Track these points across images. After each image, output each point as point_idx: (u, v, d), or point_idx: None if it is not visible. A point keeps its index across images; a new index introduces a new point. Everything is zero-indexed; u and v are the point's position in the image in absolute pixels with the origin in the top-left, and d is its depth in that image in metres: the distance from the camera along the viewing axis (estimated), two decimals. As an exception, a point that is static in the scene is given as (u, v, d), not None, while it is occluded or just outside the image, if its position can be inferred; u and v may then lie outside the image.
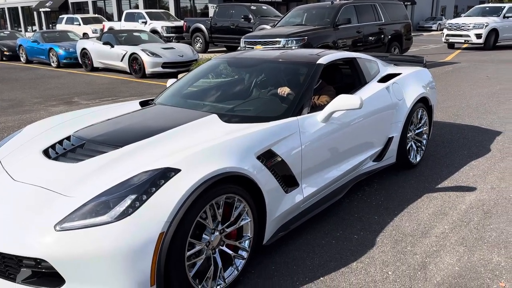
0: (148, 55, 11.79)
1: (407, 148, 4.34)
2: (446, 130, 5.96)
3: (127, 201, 2.15)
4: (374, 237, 3.17)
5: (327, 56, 3.79)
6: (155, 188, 2.21)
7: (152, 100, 3.93)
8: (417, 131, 4.52)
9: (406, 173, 4.40)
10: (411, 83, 4.41)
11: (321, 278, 2.70)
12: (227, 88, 3.97)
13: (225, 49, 18.42)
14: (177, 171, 2.30)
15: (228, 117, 3.14)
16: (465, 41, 17.53)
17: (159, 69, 11.85)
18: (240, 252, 2.64)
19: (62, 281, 2.10)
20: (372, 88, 3.99)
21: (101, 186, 2.30)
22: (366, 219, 3.45)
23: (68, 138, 2.99)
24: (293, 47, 8.91)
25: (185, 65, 12.20)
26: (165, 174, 2.28)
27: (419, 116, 4.48)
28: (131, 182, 2.27)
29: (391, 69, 4.66)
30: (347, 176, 3.60)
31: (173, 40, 17.60)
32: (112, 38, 13.00)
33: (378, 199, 3.82)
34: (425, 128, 4.64)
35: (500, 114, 6.82)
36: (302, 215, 3.10)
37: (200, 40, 17.50)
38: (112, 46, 12.69)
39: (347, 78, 4.28)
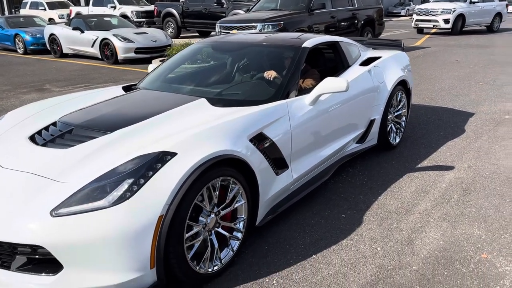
0: (120, 40, 11.54)
1: (388, 130, 4.45)
2: (422, 112, 6.13)
3: (124, 186, 2.15)
4: (361, 216, 3.27)
5: (312, 40, 3.83)
6: (152, 172, 2.22)
7: (135, 85, 3.88)
8: (396, 113, 4.64)
9: (386, 154, 4.53)
10: (391, 66, 4.51)
11: (314, 256, 2.78)
12: (213, 72, 3.96)
13: (197, 34, 18.19)
14: (173, 154, 2.31)
15: (217, 101, 3.14)
16: (433, 26, 17.91)
17: (132, 54, 11.62)
18: (234, 233, 2.68)
19: (59, 267, 2.09)
20: (354, 71, 4.06)
21: (95, 171, 2.28)
22: (352, 199, 3.55)
23: (54, 124, 2.93)
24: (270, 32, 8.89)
25: (159, 51, 12.00)
26: (162, 158, 2.29)
27: (398, 98, 4.60)
28: (127, 167, 2.26)
29: (371, 52, 4.75)
30: (333, 157, 3.69)
31: (144, 25, 17.24)
32: (82, 23, 12.63)
33: (362, 180, 3.92)
34: (403, 110, 4.77)
35: (472, 96, 7.06)
36: (291, 197, 3.17)
37: (172, 25, 17.21)
38: (82, 32, 12.35)
39: (329, 62, 4.34)
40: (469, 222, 3.16)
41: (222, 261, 2.58)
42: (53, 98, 3.58)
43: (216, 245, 2.55)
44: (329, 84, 3.25)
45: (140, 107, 3.17)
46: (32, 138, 2.77)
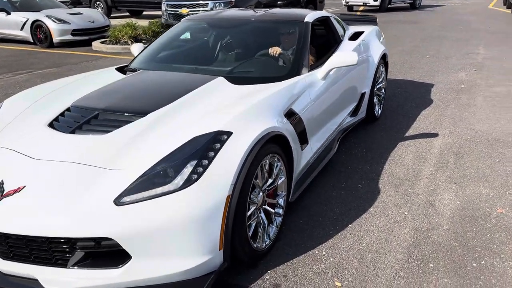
0: (55, 22, 10.71)
1: (373, 102, 4.64)
2: (387, 86, 6.42)
3: (189, 168, 2.07)
4: (376, 184, 3.41)
5: (311, 15, 3.87)
6: (213, 153, 2.15)
7: (126, 66, 3.65)
8: (377, 86, 4.84)
9: (372, 126, 4.73)
10: (374, 40, 4.69)
11: (349, 225, 2.87)
12: (214, 50, 3.83)
13: (128, 14, 17.38)
14: (229, 134, 2.26)
15: (235, 79, 3.07)
16: (363, 3, 18.64)
17: (69, 37, 10.85)
18: (276, 209, 2.69)
19: (126, 257, 1.98)
20: (348, 46, 4.16)
21: (146, 156, 2.17)
22: (360, 169, 3.68)
23: (68, 109, 2.71)
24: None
25: (98, 32, 11.33)
26: (218, 138, 2.23)
27: (380, 71, 4.79)
28: (185, 149, 2.17)
29: (352, 27, 4.87)
30: (336, 130, 3.78)
31: (69, 6, 16.09)
32: (6, 4, 11.49)
33: (361, 151, 4.08)
34: (383, 83, 4.99)
35: (425, 68, 7.53)
36: (310, 172, 3.22)
37: (101, 5, 16.27)
38: (8, 13, 11.27)
39: (320, 38, 4.39)
40: (474, 182, 3.42)
41: (271, 237, 2.59)
42: (48, 83, 3.30)
43: (266, 222, 2.55)
44: (341, 58, 3.30)
45: (161, 88, 3.02)
46: (51, 126, 2.55)
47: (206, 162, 2.11)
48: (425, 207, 3.07)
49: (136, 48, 4.06)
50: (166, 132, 2.36)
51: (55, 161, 2.22)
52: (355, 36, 4.51)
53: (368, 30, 4.81)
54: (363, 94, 4.34)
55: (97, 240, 1.96)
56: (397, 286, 2.32)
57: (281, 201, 2.71)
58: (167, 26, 8.13)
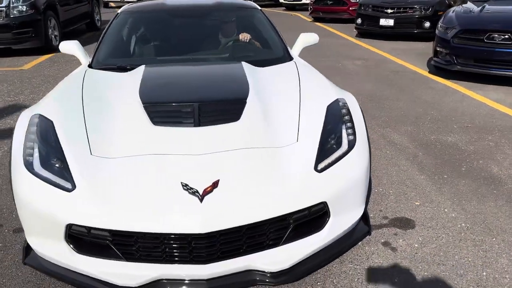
0: None
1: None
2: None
3: (344, 133, 2.34)
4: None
5: (250, 2, 4.02)
6: (348, 116, 2.46)
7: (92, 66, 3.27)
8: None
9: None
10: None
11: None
12: (188, 39, 3.71)
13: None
14: (342, 99, 2.59)
15: (254, 63, 3.09)
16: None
17: None
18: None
19: (323, 220, 2.14)
20: None
21: (301, 129, 2.33)
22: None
23: (146, 107, 2.44)
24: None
25: None
26: (342, 103, 2.54)
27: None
28: (329, 118, 2.40)
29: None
30: None
31: None
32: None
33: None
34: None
35: (332, 57, 7.63)
36: None
37: None
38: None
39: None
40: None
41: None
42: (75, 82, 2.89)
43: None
44: (308, 38, 3.68)
45: (211, 78, 2.93)
46: (158, 122, 2.33)
47: (349, 124, 2.41)
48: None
49: (74, 46, 3.57)
50: (285, 109, 2.49)
51: (220, 151, 2.13)
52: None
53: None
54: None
55: (310, 209, 2.06)
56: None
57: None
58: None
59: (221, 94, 2.65)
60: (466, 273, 2.29)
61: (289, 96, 2.63)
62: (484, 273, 2.29)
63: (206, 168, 2.04)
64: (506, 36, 5.53)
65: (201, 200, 1.90)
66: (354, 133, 2.38)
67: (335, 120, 2.41)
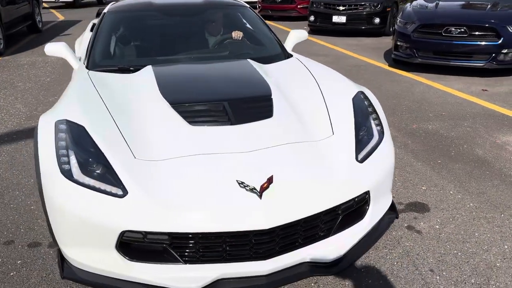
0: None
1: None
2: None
3: (372, 124, 2.47)
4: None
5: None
6: (371, 108, 2.58)
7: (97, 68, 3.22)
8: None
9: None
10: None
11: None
12: (182, 37, 3.63)
13: None
14: (361, 92, 2.69)
15: (256, 60, 3.10)
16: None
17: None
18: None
19: (364, 210, 2.23)
20: None
21: (336, 122, 2.40)
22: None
23: (175, 107, 2.39)
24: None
25: None
26: (364, 95, 2.66)
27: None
28: (359, 109, 2.50)
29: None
30: None
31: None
32: None
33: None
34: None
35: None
36: None
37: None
38: None
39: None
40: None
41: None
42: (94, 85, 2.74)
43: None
44: (299, 34, 3.77)
45: (224, 77, 2.91)
46: (194, 122, 2.29)
47: (374, 115, 2.53)
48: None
49: (63, 48, 3.32)
50: (310, 103, 2.55)
51: (267, 148, 2.14)
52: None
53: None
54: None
55: (355, 199, 2.13)
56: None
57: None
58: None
59: (246, 92, 2.64)
60: (490, 248, 2.47)
61: (309, 91, 2.68)
62: (506, 246, 2.48)
63: (258, 165, 2.04)
64: (462, 29, 5.96)
65: (260, 197, 1.90)
66: (380, 123, 2.49)
67: (363, 112, 2.50)
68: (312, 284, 2.20)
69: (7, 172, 3.44)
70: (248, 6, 3.97)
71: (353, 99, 2.57)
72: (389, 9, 9.75)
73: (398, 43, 6.62)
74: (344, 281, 2.22)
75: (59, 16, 14.33)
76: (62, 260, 2.11)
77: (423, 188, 3.12)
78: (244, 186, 1.93)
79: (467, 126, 4.34)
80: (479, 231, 2.63)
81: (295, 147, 2.19)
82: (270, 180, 1.96)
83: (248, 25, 3.80)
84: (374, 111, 2.56)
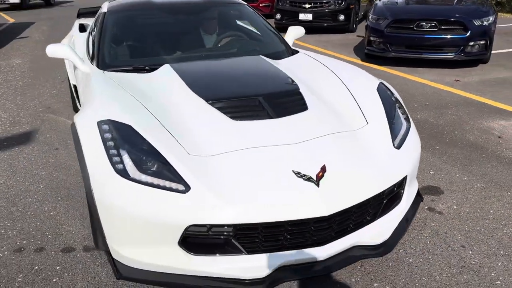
0: None
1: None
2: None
3: (399, 113, 2.63)
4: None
5: None
6: (394, 98, 2.74)
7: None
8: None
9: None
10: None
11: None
12: (188, 35, 3.62)
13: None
14: (383, 83, 2.88)
15: (269, 56, 3.18)
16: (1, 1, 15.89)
17: None
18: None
19: (400, 194, 2.38)
20: None
21: (367, 112, 2.52)
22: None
23: (214, 104, 2.43)
24: None
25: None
26: (385, 86, 2.84)
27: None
28: (385, 99, 2.64)
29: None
30: None
31: None
32: None
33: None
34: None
35: None
36: None
37: None
38: None
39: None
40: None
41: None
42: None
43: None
44: (296, 31, 3.86)
45: (248, 72, 2.96)
46: (236, 117, 2.33)
47: (398, 104, 2.69)
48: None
49: (67, 49, 3.19)
50: (337, 95, 2.66)
51: (313, 138, 2.23)
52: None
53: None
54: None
55: (398, 184, 2.28)
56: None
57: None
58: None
59: (275, 86, 2.70)
60: (508, 223, 2.67)
61: (333, 84, 2.77)
62: (521, 221, 2.70)
63: (310, 155, 2.11)
64: (433, 24, 6.29)
65: (317, 185, 1.97)
66: (405, 112, 2.63)
67: (389, 102, 2.64)
68: (359, 267, 2.29)
69: (10, 180, 3.29)
70: (245, 4, 4.02)
71: (377, 89, 2.70)
72: (352, 6, 10.06)
73: (372, 38, 6.88)
74: (387, 262, 2.34)
75: (9, 18, 13.63)
76: (114, 260, 2.07)
77: (431, 172, 3.31)
78: (301, 176, 1.99)
79: (451, 114, 4.61)
80: (493, 208, 2.83)
81: (336, 137, 2.27)
82: (323, 169, 2.03)
83: (250, 22, 3.83)
84: (397, 100, 2.70)
